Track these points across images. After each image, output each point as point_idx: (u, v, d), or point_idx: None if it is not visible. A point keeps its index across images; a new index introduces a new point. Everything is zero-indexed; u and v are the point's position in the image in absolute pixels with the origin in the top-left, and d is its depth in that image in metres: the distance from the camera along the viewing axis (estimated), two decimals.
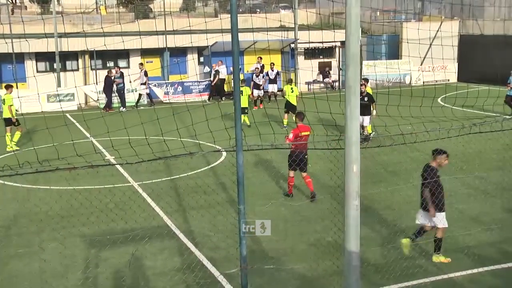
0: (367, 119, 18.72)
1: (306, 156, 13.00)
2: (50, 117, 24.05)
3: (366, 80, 19.52)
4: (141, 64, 29.49)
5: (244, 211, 6.95)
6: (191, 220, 11.91)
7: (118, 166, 15.70)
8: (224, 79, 30.62)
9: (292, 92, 23.79)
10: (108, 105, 27.94)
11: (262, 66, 29.48)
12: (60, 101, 27.40)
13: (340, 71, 34.85)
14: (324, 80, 34.63)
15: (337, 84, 35.08)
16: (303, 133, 12.94)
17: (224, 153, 17.55)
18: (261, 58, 29.88)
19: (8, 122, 18.97)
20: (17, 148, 18.90)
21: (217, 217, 11.75)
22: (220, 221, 11.52)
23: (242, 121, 6.60)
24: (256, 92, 27.61)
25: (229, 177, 14.57)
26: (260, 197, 13.37)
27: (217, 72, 29.92)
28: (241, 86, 23.66)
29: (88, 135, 20.91)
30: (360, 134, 19.31)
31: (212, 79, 30.04)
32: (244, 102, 21.98)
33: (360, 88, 16.74)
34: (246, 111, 22.01)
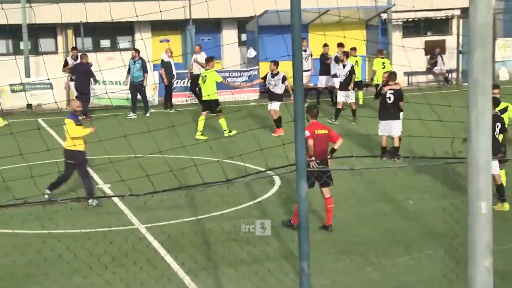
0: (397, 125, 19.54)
1: (328, 165, 13.90)
2: (15, 122, 24.55)
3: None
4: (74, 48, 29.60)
5: (309, 271, 6.92)
6: (226, 282, 11.90)
7: (116, 199, 15.86)
8: (199, 75, 30.03)
9: (384, 68, 25.45)
10: (85, 110, 28.03)
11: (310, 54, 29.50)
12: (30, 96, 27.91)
13: (461, 55, 34.51)
14: (434, 70, 34.33)
15: (454, 75, 34.69)
16: (319, 131, 14.14)
17: (278, 181, 17.55)
18: (304, 39, 29.57)
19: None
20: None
21: (267, 278, 11.72)
22: (271, 285, 11.48)
23: None
24: (342, 95, 26.16)
25: (285, 217, 14.55)
26: (333, 249, 13.34)
27: (166, 65, 29.57)
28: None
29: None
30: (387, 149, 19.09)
31: (163, 74, 29.68)
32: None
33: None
34: None
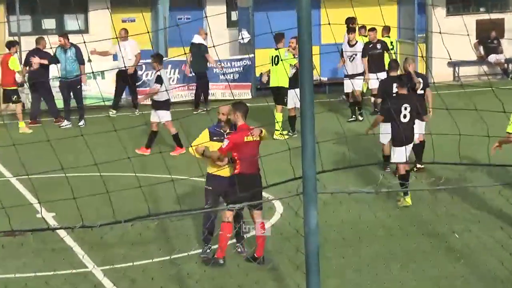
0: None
1: (260, 181, 13.91)
2: None
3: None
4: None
5: None
6: None
7: (63, 233, 15.78)
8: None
9: (392, 48, 28.11)
10: (54, 110, 28.21)
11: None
12: None
13: None
14: (488, 59, 34.33)
15: None
16: (249, 138, 14.47)
17: (279, 206, 17.47)
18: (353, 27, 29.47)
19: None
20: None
21: None
22: None
23: None
24: (348, 83, 27.14)
25: (290, 256, 14.39)
26: None
27: (202, 48, 29.59)
28: None
29: (4, 170, 21.18)
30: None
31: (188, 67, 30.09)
32: None
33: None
34: None
